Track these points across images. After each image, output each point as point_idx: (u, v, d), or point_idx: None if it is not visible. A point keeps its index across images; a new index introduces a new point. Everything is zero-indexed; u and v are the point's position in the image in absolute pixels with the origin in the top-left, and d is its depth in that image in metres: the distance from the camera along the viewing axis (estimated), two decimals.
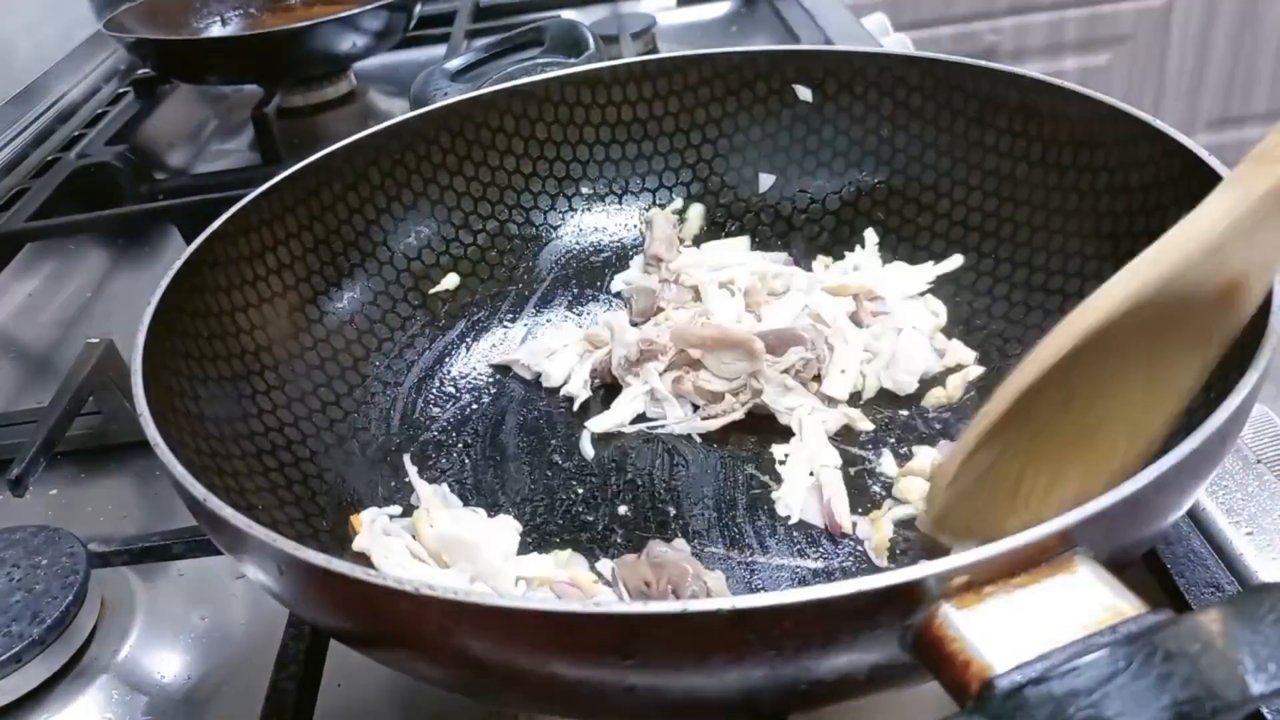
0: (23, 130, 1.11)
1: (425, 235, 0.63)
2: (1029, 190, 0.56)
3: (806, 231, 0.64)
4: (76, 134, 1.11)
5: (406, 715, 0.45)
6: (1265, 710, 0.38)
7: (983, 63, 0.57)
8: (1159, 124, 0.48)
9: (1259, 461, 0.50)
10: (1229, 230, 0.30)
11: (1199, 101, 2.14)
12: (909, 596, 0.27)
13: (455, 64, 0.90)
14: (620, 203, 0.67)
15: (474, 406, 0.58)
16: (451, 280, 0.62)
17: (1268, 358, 0.34)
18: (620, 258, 0.66)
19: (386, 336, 0.59)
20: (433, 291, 0.61)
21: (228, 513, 0.33)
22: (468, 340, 0.61)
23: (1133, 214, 0.50)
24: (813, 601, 0.26)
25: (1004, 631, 0.26)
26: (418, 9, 1.12)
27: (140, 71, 1.23)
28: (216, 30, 1.18)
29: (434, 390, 0.58)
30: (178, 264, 0.48)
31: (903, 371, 0.54)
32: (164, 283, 0.47)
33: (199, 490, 0.35)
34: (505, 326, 0.62)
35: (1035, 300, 0.55)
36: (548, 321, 0.63)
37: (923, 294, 0.58)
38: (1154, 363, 0.33)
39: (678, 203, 0.66)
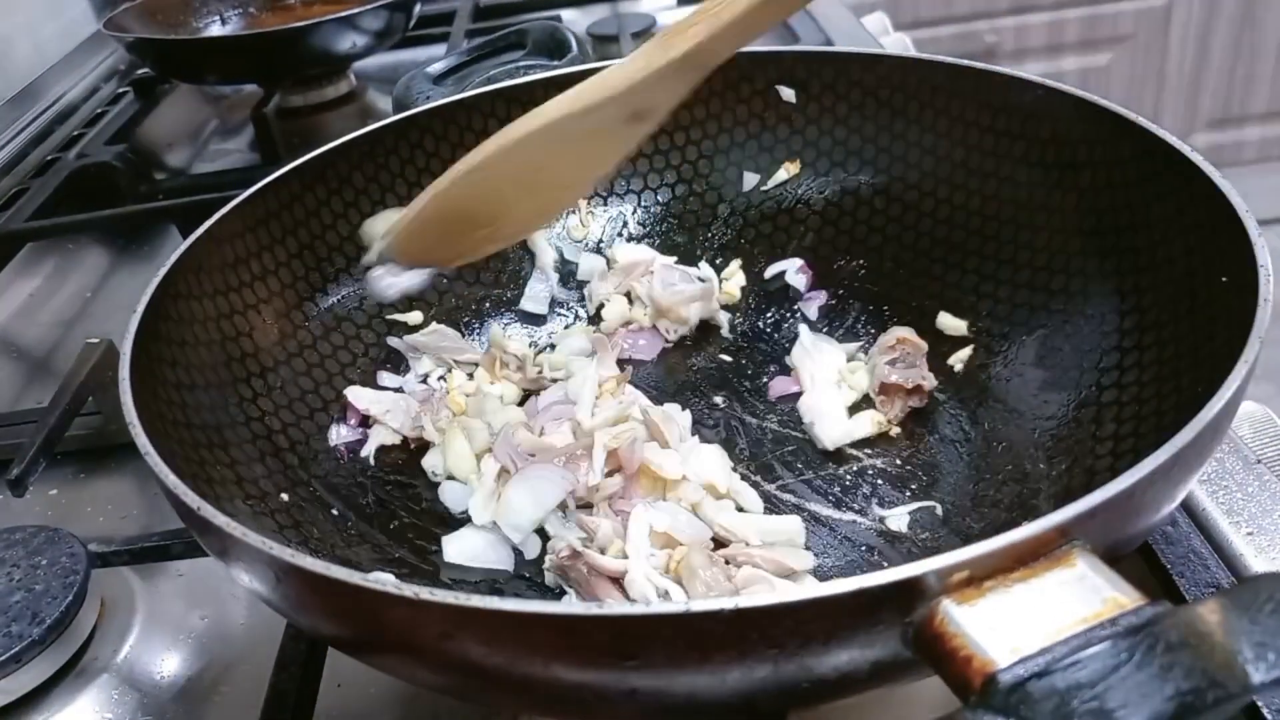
0: (22, 130, 1.11)
1: None
2: (1013, 188, 0.56)
3: (791, 232, 0.64)
4: (76, 134, 1.11)
5: (406, 715, 0.45)
6: (1265, 709, 0.38)
7: (965, 62, 0.57)
8: (1140, 120, 0.48)
9: (1259, 461, 0.50)
10: (644, 81, 0.44)
11: (1199, 101, 2.14)
12: (909, 593, 0.27)
13: (438, 67, 0.90)
14: (605, 204, 0.67)
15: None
16: (414, 317, 0.61)
17: (1256, 350, 0.35)
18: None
19: (373, 342, 0.59)
20: (392, 317, 0.60)
21: (222, 521, 0.33)
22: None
23: (1116, 210, 0.50)
24: (814, 600, 0.26)
25: (1005, 626, 0.26)
26: (418, 9, 1.12)
27: (140, 71, 1.23)
28: (216, 30, 1.18)
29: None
30: (162, 271, 0.48)
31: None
32: (149, 290, 0.47)
33: (192, 499, 0.34)
34: (489, 331, 0.63)
35: (1021, 297, 0.55)
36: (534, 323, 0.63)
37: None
38: (585, 148, 0.48)
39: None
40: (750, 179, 0.65)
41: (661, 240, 0.66)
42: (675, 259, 0.65)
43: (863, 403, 0.55)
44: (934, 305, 0.57)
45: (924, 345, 0.54)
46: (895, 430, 0.53)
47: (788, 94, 0.63)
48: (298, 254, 0.57)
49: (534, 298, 0.64)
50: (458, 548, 0.48)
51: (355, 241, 0.60)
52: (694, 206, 0.66)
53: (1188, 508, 0.48)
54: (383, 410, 0.55)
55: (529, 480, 0.49)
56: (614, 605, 0.28)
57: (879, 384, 0.54)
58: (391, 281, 0.52)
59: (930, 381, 0.53)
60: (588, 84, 0.46)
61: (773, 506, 0.50)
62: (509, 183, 0.49)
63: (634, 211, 0.67)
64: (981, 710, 0.23)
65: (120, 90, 1.22)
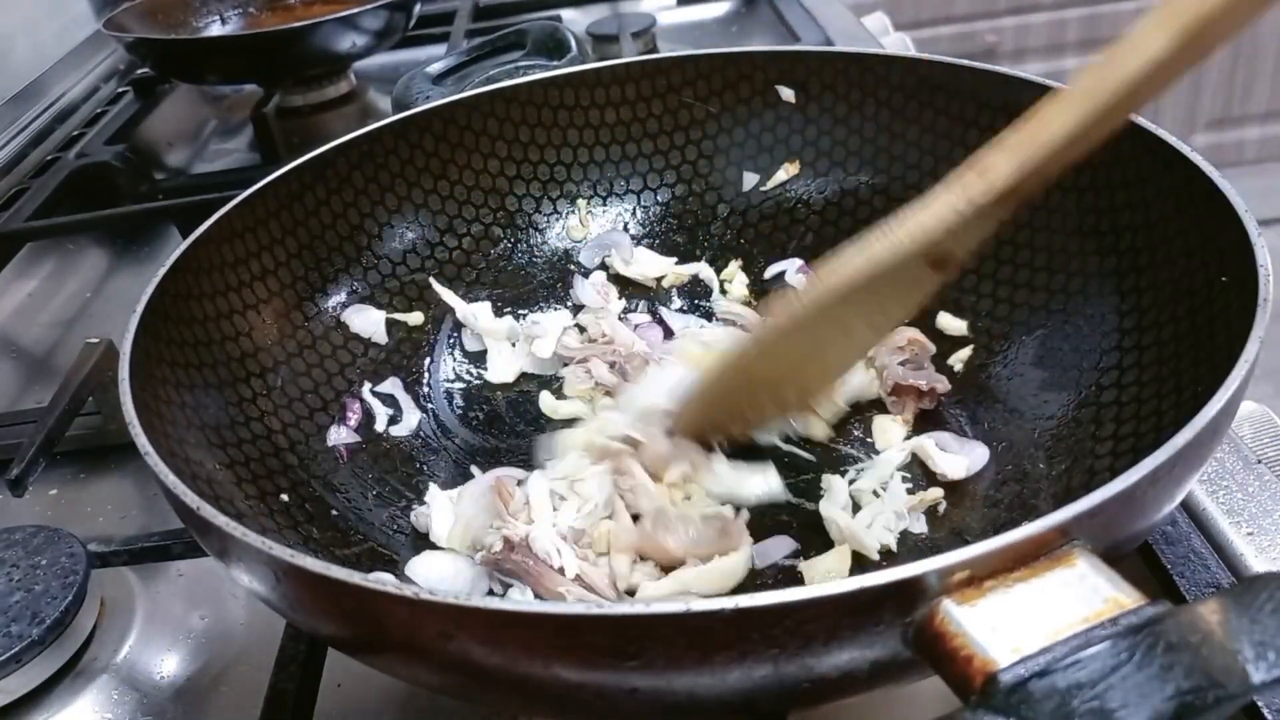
0: (22, 130, 1.11)
1: (410, 239, 0.62)
2: None
3: (791, 232, 0.64)
4: (76, 134, 1.11)
5: (406, 715, 0.45)
6: (1265, 709, 0.38)
7: (964, 62, 0.57)
8: (1140, 120, 0.48)
9: (1259, 462, 0.50)
10: (945, 230, 0.39)
11: (1199, 101, 2.14)
12: (910, 592, 0.27)
13: (437, 67, 0.90)
14: (605, 204, 0.67)
15: (461, 408, 0.58)
16: (415, 318, 0.61)
17: (1255, 350, 0.35)
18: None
19: (373, 341, 0.59)
20: (392, 316, 0.60)
21: (221, 521, 0.33)
22: (453, 343, 0.61)
23: (1116, 210, 0.50)
24: (814, 599, 0.26)
25: (1006, 625, 0.26)
26: (418, 9, 1.12)
27: (140, 71, 1.23)
28: (216, 30, 1.18)
29: (420, 394, 0.58)
30: (162, 271, 0.48)
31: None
32: (149, 290, 0.47)
33: (192, 499, 0.34)
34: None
35: (1020, 297, 0.55)
36: (533, 323, 0.63)
37: None
38: (873, 307, 0.44)
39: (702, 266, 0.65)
40: (750, 179, 0.65)
41: (661, 240, 0.66)
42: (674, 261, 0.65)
43: (870, 406, 0.55)
44: (934, 305, 0.57)
45: (931, 346, 0.54)
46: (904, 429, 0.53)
47: (787, 94, 0.63)
48: (297, 254, 0.57)
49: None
50: (424, 568, 0.47)
51: (354, 241, 0.60)
52: (693, 206, 0.66)
53: (1188, 508, 0.48)
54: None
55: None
56: (614, 605, 0.28)
57: (892, 384, 0.53)
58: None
59: (944, 384, 0.53)
60: (885, 244, 0.41)
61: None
62: (797, 354, 0.47)
63: (634, 212, 0.67)
64: (982, 710, 0.23)
65: (120, 90, 1.22)
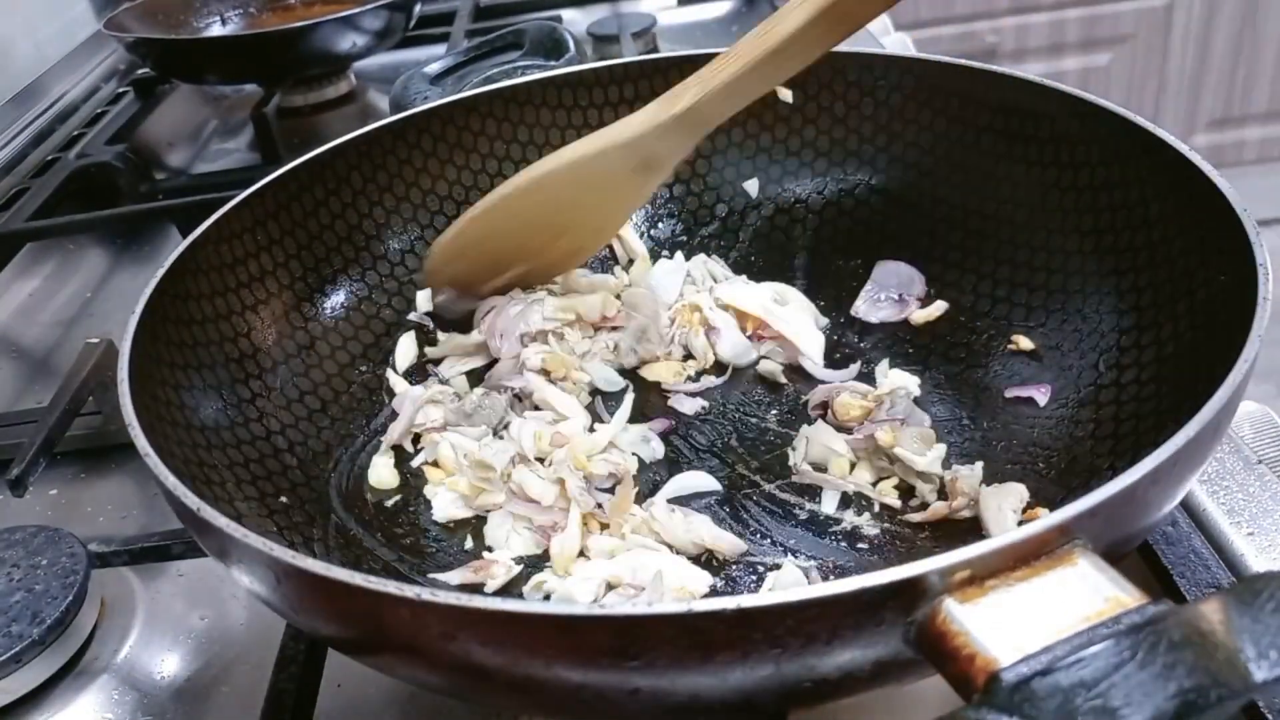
0: (22, 130, 1.11)
1: (409, 239, 0.62)
2: (1010, 187, 0.56)
3: (790, 232, 0.64)
4: (76, 134, 1.10)
5: (406, 715, 0.45)
6: (1265, 710, 0.38)
7: (962, 61, 0.58)
8: (1140, 120, 0.48)
9: (1259, 462, 0.50)
10: (644, 134, 0.51)
11: (1199, 101, 2.14)
12: (912, 592, 0.27)
13: (435, 68, 0.90)
14: None
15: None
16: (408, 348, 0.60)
17: (1255, 349, 0.35)
18: (603, 259, 0.66)
19: (371, 342, 0.59)
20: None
21: (222, 522, 0.33)
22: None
23: (1114, 209, 0.50)
24: (816, 599, 0.26)
25: (1008, 624, 0.26)
26: (418, 9, 1.12)
27: (140, 71, 1.23)
28: (216, 30, 1.18)
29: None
30: (161, 271, 0.48)
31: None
32: (148, 290, 0.47)
33: (191, 500, 0.34)
34: None
35: (1019, 296, 0.55)
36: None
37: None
38: (602, 194, 0.55)
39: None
40: (752, 185, 0.65)
41: (661, 240, 0.66)
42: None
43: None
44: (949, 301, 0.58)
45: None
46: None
47: (785, 94, 0.63)
48: (296, 254, 0.57)
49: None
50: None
51: (353, 241, 0.60)
52: (692, 206, 0.66)
53: (1188, 508, 0.48)
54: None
55: None
56: (615, 605, 0.28)
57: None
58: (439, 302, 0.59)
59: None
60: (597, 133, 0.52)
61: (772, 506, 0.49)
62: (533, 222, 0.56)
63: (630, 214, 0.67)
64: (985, 709, 0.23)
65: (120, 90, 1.21)
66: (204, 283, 0.51)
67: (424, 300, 0.61)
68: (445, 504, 0.50)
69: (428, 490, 0.52)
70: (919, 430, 0.49)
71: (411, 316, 0.61)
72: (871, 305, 0.60)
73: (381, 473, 0.52)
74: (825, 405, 0.54)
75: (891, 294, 0.59)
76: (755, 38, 0.47)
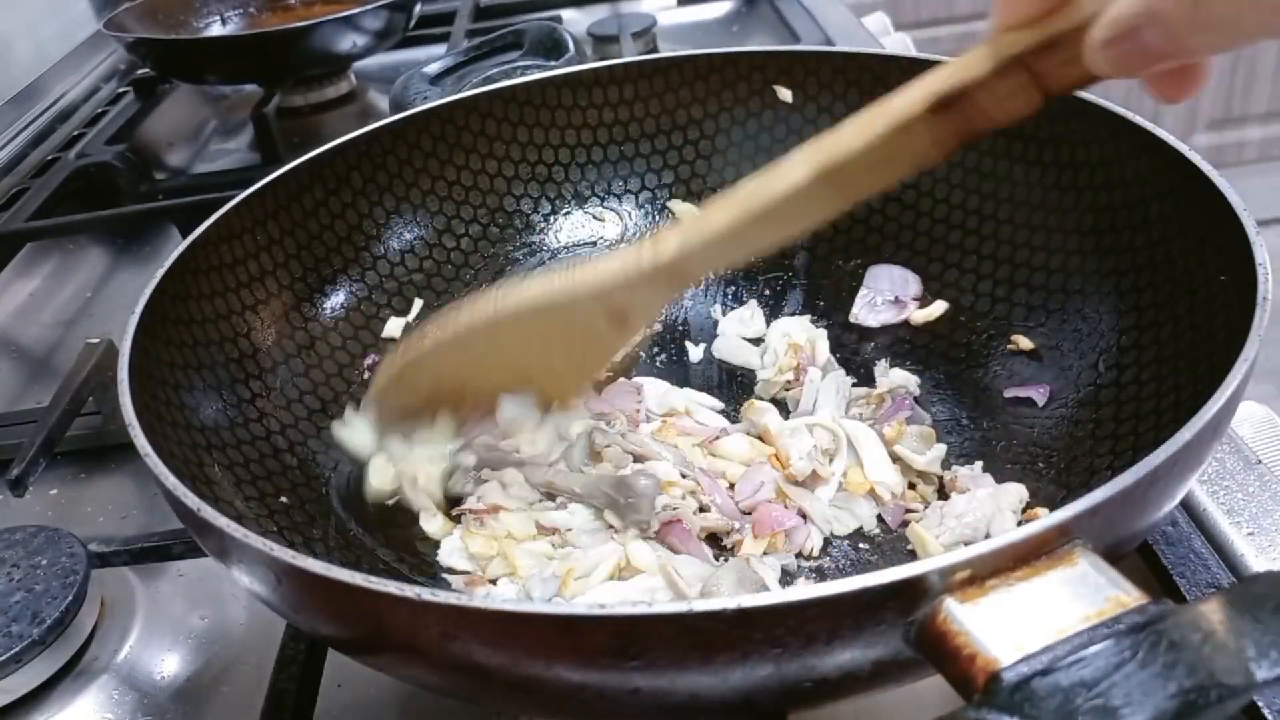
0: (23, 130, 1.11)
1: (409, 239, 0.62)
2: (1012, 187, 0.56)
3: None
4: (76, 134, 1.10)
5: (406, 715, 0.45)
6: (1265, 709, 0.38)
7: None
8: (1140, 120, 0.48)
9: (1259, 462, 0.50)
10: (614, 283, 0.44)
11: (1199, 101, 2.14)
12: (912, 592, 0.27)
13: (435, 68, 0.90)
14: (602, 204, 0.67)
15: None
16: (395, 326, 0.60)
17: (1255, 349, 0.35)
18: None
19: (371, 342, 0.59)
20: (385, 334, 0.60)
21: (222, 522, 0.33)
22: None
23: (1115, 209, 0.50)
24: (816, 599, 0.26)
25: (1008, 624, 0.26)
26: (418, 9, 1.12)
27: (140, 71, 1.23)
28: (216, 30, 1.18)
29: None
30: (161, 271, 0.48)
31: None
32: (148, 290, 0.47)
33: (191, 500, 0.34)
34: None
35: (1019, 296, 0.55)
36: None
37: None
38: (569, 343, 0.47)
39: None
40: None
41: None
42: None
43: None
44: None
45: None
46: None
47: (785, 94, 0.63)
48: (296, 254, 0.57)
49: None
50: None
51: (353, 241, 0.60)
52: (691, 206, 0.66)
53: (1188, 508, 0.48)
54: None
55: None
56: (615, 606, 0.28)
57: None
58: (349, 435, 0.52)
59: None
60: (566, 274, 0.45)
61: None
62: (491, 362, 0.49)
63: (631, 214, 0.67)
64: (985, 708, 0.23)
65: (120, 90, 1.21)
66: (204, 283, 0.51)
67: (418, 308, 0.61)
68: (449, 552, 0.49)
69: (424, 521, 0.50)
70: (919, 429, 0.49)
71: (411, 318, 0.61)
72: (869, 310, 0.59)
73: (381, 474, 0.52)
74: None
75: (887, 296, 0.59)
76: (748, 191, 0.40)
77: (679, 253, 0.42)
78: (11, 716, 0.47)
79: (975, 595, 0.27)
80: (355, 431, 0.51)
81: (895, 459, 0.49)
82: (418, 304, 0.61)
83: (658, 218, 0.67)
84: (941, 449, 0.49)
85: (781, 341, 0.58)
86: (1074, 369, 0.50)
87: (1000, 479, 0.48)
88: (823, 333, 0.59)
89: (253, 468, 0.48)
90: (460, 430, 0.52)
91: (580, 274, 0.45)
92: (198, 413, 0.47)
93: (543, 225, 0.66)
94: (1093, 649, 0.24)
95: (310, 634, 0.43)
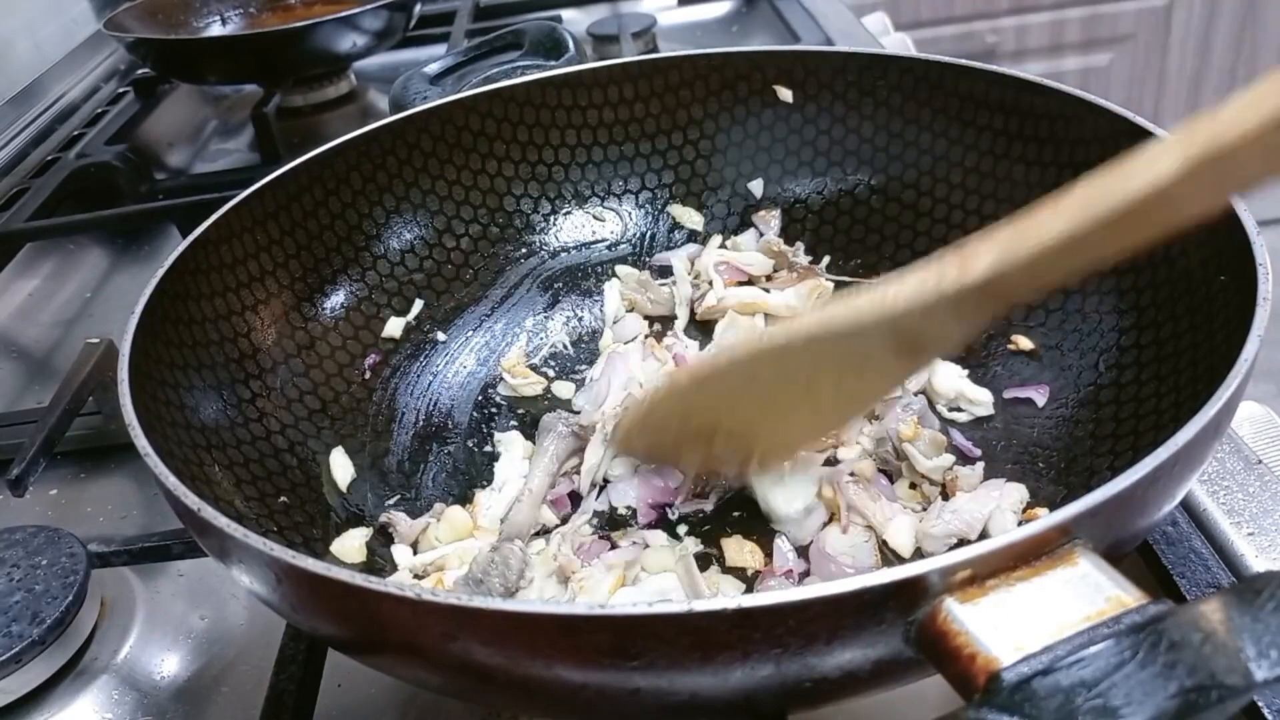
0: (23, 130, 1.11)
1: (408, 239, 0.62)
2: (1010, 187, 0.56)
3: (790, 231, 0.64)
4: (76, 134, 1.11)
5: (406, 715, 0.45)
6: (1265, 709, 0.38)
7: (961, 61, 0.58)
8: (1141, 120, 0.48)
9: (1259, 462, 0.50)
10: (911, 310, 0.36)
11: (1199, 101, 2.14)
12: (912, 592, 0.27)
13: (434, 68, 0.90)
14: (602, 204, 0.67)
15: (458, 406, 0.58)
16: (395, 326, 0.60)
17: (1255, 349, 0.35)
18: (603, 260, 0.66)
19: (371, 342, 0.59)
20: (385, 334, 0.60)
21: (222, 522, 0.33)
22: (453, 343, 0.61)
23: None
24: (817, 599, 0.26)
25: (1008, 624, 0.26)
26: (418, 9, 1.12)
27: (140, 71, 1.23)
28: (216, 30, 1.18)
29: (420, 394, 0.58)
30: (161, 271, 0.48)
31: None
32: (148, 290, 0.46)
33: (192, 500, 0.34)
34: (489, 330, 0.63)
35: None
36: (534, 323, 0.63)
37: None
38: (842, 378, 0.41)
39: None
40: (757, 185, 0.65)
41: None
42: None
43: None
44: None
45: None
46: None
47: (785, 94, 0.63)
48: (296, 254, 0.57)
49: None
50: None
51: (353, 241, 0.60)
52: (691, 206, 0.66)
53: (1188, 508, 0.48)
54: None
55: None
56: (616, 606, 0.28)
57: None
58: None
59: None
60: (853, 302, 0.38)
61: None
62: (753, 398, 0.44)
63: (631, 214, 0.67)
64: (986, 708, 0.23)
65: (120, 90, 1.22)
66: (204, 283, 0.51)
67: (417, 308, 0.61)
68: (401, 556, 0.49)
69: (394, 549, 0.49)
70: (931, 434, 0.49)
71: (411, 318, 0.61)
72: None
73: (342, 470, 0.52)
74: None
75: None
76: (1089, 190, 0.33)
77: (993, 270, 0.33)
78: (11, 716, 0.47)
79: (975, 595, 0.27)
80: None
81: (901, 456, 0.49)
82: (418, 304, 0.61)
83: (658, 218, 0.67)
84: (949, 459, 0.49)
85: None
86: (1074, 369, 0.50)
87: (1001, 479, 0.48)
88: None
89: (253, 468, 0.48)
90: (703, 470, 0.50)
91: (867, 300, 0.37)
92: (198, 413, 0.47)
93: (543, 225, 0.66)
94: (1093, 649, 0.24)
95: (310, 634, 0.43)
